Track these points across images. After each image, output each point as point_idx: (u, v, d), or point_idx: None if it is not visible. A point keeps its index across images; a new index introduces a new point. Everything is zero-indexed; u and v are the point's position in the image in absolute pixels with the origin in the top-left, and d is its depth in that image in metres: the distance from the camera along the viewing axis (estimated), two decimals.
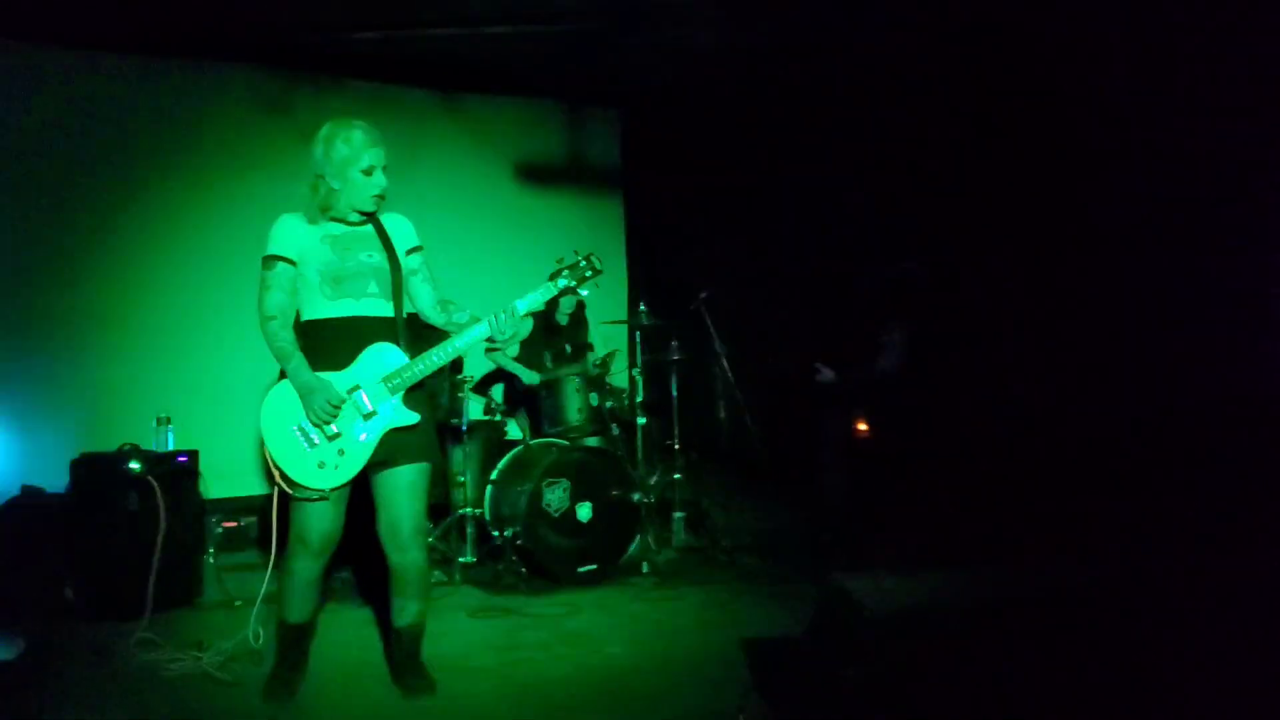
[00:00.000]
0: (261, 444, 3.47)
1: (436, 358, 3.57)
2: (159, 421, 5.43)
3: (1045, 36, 5.87)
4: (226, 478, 6.30)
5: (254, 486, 6.59)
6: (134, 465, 4.98)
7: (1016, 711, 2.87)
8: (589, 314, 6.63)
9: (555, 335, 6.36)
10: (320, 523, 3.52)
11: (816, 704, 2.91)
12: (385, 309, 3.58)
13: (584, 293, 3.84)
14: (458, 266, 7.67)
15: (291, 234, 3.52)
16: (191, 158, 6.81)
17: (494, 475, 5.58)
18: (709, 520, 6.29)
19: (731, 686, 3.31)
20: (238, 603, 5.04)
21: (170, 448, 5.35)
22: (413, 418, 3.56)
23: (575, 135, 8.30)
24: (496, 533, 5.42)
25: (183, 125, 6.80)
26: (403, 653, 3.76)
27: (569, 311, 6.49)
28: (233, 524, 6.50)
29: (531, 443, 5.72)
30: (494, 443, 5.94)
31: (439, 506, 5.53)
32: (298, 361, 3.46)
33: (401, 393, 3.54)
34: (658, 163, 8.53)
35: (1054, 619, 2.94)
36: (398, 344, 3.56)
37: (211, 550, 5.45)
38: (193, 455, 5.31)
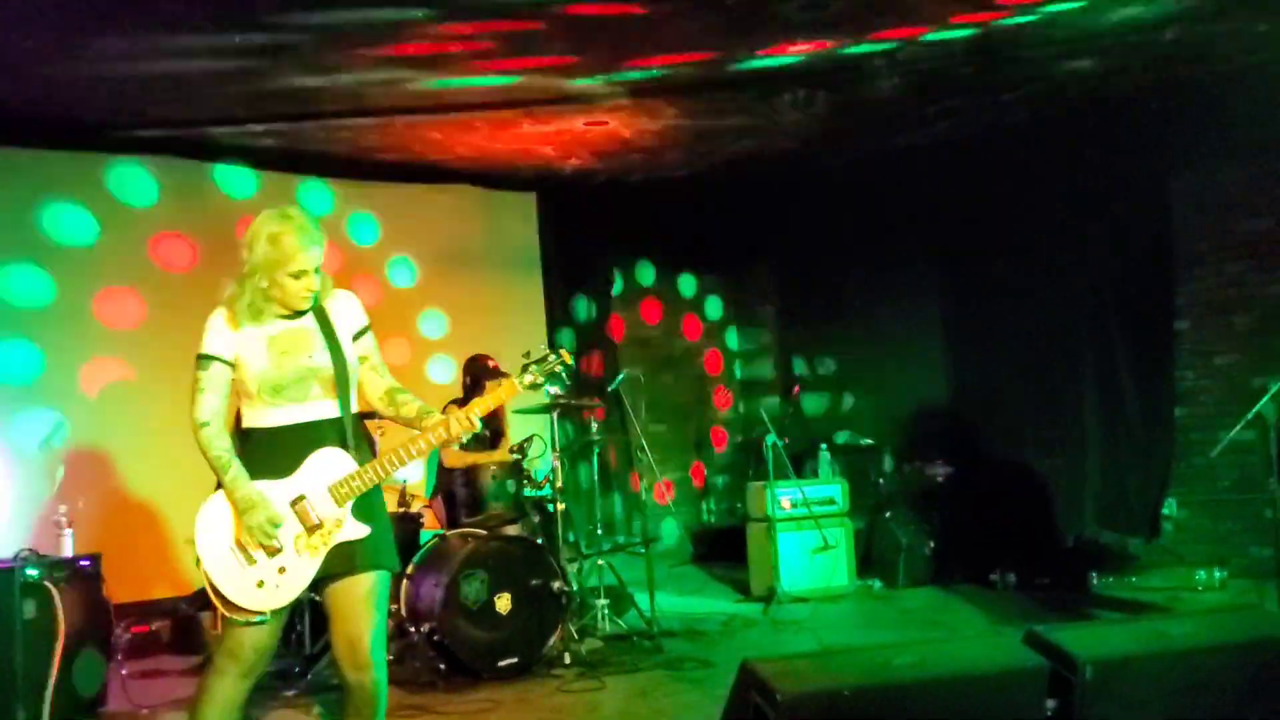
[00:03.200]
0: (197, 561, 3.15)
1: (390, 465, 3.31)
2: (58, 524, 5.22)
3: None
4: (133, 581, 6.10)
5: (163, 589, 6.40)
6: (31, 571, 4.78)
7: None
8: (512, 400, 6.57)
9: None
10: (255, 638, 3.19)
11: None
12: (331, 410, 3.30)
13: (551, 391, 3.61)
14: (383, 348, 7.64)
15: (227, 333, 3.22)
16: (98, 249, 6.69)
17: (409, 569, 5.45)
18: (633, 606, 6.21)
19: None
20: (144, 712, 4.85)
21: (70, 553, 5.15)
22: (362, 530, 3.26)
23: (492, 218, 8.33)
24: (412, 628, 5.29)
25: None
26: None
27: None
28: (142, 629, 6.29)
29: (448, 534, 5.62)
30: (409, 535, 5.82)
31: None
32: (236, 472, 3.15)
33: (351, 502, 3.25)
34: (579, 244, 8.61)
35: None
36: (346, 447, 3.28)
37: (118, 658, 5.24)
38: (95, 559, 5.12)
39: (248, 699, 3.28)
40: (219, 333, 3.23)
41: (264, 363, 3.22)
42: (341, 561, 3.22)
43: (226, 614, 3.15)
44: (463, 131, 6.98)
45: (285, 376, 3.23)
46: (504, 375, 6.15)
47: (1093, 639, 3.11)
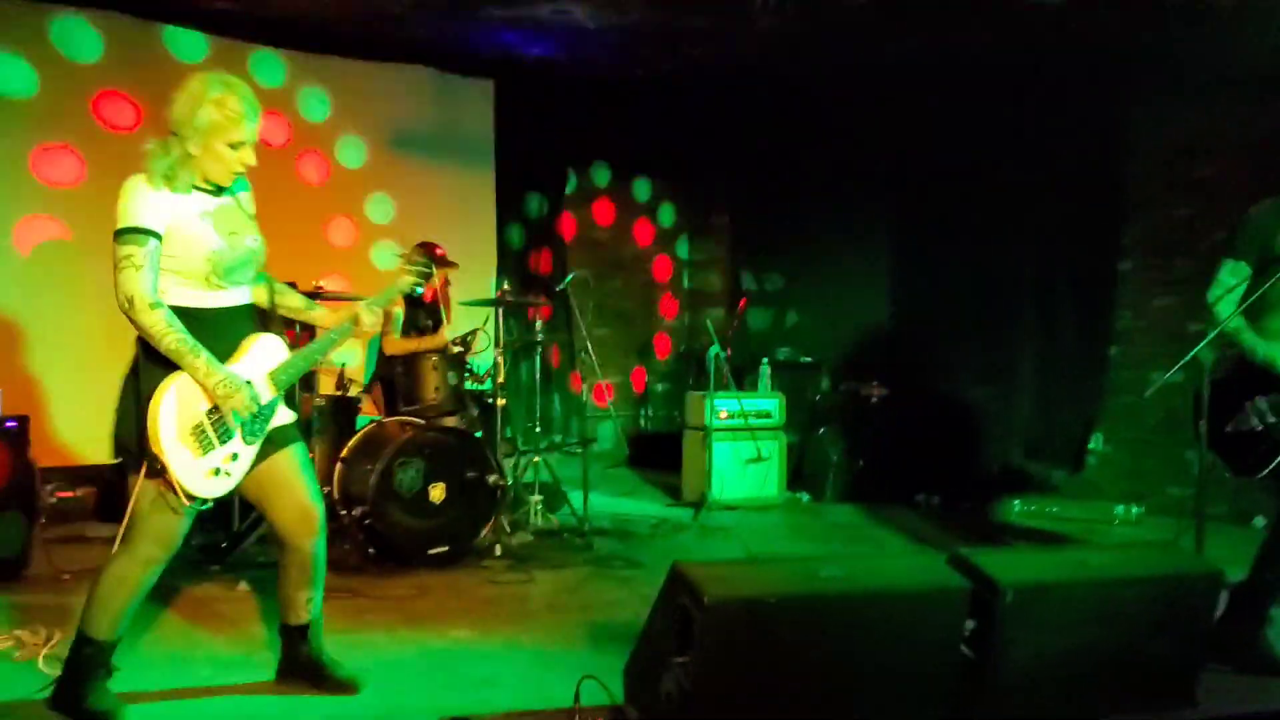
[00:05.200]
0: (148, 448, 2.98)
1: (318, 352, 3.38)
2: None
3: None
4: (60, 446, 6.01)
5: (90, 455, 6.31)
6: None
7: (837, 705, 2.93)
8: (453, 290, 6.50)
9: (414, 308, 6.21)
10: (184, 526, 3.16)
11: (651, 689, 2.91)
12: (252, 296, 3.29)
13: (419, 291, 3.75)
14: (325, 228, 7.51)
15: (158, 204, 3.01)
16: (36, 102, 6.43)
17: (344, 452, 5.42)
18: (566, 504, 6.26)
19: (574, 670, 3.29)
20: (65, 576, 4.82)
21: None
22: (290, 415, 3.32)
23: (447, 104, 8.13)
24: (344, 511, 5.28)
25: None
26: (316, 649, 3.49)
27: (435, 286, 6.34)
28: (67, 494, 6.22)
29: (385, 420, 5.59)
30: (346, 419, 5.78)
31: None
32: (208, 356, 3.02)
33: (284, 388, 3.25)
34: (535, 137, 8.44)
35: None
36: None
37: (41, 521, 5.17)
38: (23, 421, 5.02)
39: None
40: (152, 203, 3.01)
41: (217, 241, 3.11)
42: (272, 443, 3.25)
43: (176, 502, 3.05)
44: (424, 8, 6.76)
45: (238, 258, 3.16)
46: (451, 264, 6.10)
47: (1015, 564, 3.17)
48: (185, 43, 6.88)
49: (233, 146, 3.10)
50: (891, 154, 8.21)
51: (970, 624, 3.03)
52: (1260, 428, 3.76)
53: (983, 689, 3.05)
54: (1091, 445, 7.34)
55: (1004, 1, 6.33)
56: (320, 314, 3.52)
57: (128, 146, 6.43)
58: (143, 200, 3.01)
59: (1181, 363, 3.86)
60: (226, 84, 3.09)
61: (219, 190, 3.20)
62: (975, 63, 7.34)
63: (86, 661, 3.17)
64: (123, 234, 2.99)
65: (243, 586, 4.77)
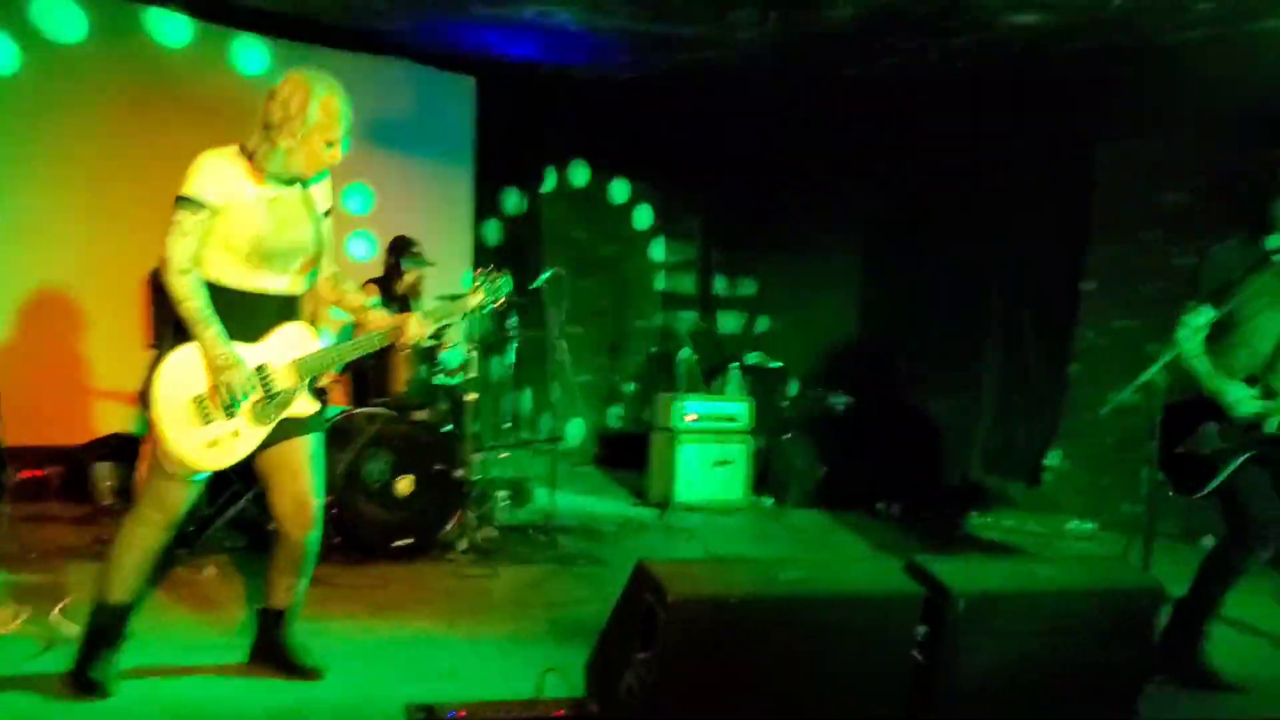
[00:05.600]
0: (145, 408, 3.12)
1: (351, 352, 3.43)
2: None
3: None
4: (27, 424, 5.99)
5: (57, 436, 6.30)
6: None
7: (793, 704, 3.02)
8: (428, 284, 6.54)
9: (389, 302, 6.26)
10: (187, 493, 3.25)
11: (613, 683, 2.98)
12: (299, 286, 3.34)
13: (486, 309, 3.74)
14: None
15: (223, 181, 3.12)
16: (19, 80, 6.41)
17: None
18: (532, 501, 6.32)
19: (535, 663, 3.35)
20: (32, 555, 4.82)
21: None
22: (313, 407, 3.36)
23: (429, 99, 8.16)
24: None
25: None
26: (289, 634, 3.55)
27: (409, 281, 6.39)
28: (33, 473, 6.20)
29: (355, 411, 5.63)
30: None
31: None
32: (218, 330, 3.11)
33: (309, 379, 3.31)
34: (514, 135, 8.48)
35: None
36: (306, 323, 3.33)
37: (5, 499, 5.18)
38: None
39: (165, 551, 3.35)
40: (214, 177, 3.12)
41: (265, 225, 3.18)
42: (287, 429, 3.31)
43: (169, 467, 3.16)
44: (410, 4, 6.80)
45: (281, 245, 3.23)
46: (428, 263, 6.15)
47: (968, 573, 3.27)
48: (168, 26, 6.86)
49: (328, 145, 3.23)
50: (867, 165, 8.34)
51: (923, 630, 3.12)
52: (1207, 451, 3.91)
53: (933, 693, 3.15)
54: (1049, 461, 7.48)
55: (982, 23, 6.46)
56: (375, 316, 3.52)
57: (100, 125, 6.51)
58: (210, 173, 3.12)
59: (1135, 384, 3.99)
60: (331, 84, 3.24)
61: (292, 181, 3.28)
62: (951, 81, 7.48)
63: (100, 627, 3.29)
64: (180, 200, 3.10)
65: (211, 570, 4.80)
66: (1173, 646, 3.93)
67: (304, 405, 3.34)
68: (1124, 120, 7.07)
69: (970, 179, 7.73)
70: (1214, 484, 3.88)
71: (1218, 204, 6.31)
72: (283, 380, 3.25)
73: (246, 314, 3.21)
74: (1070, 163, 7.41)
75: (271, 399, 3.23)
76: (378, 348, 3.49)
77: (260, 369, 3.21)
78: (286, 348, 3.28)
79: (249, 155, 3.19)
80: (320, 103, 3.19)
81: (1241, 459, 3.85)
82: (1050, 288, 7.52)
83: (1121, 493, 6.97)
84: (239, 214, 3.15)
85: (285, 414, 3.28)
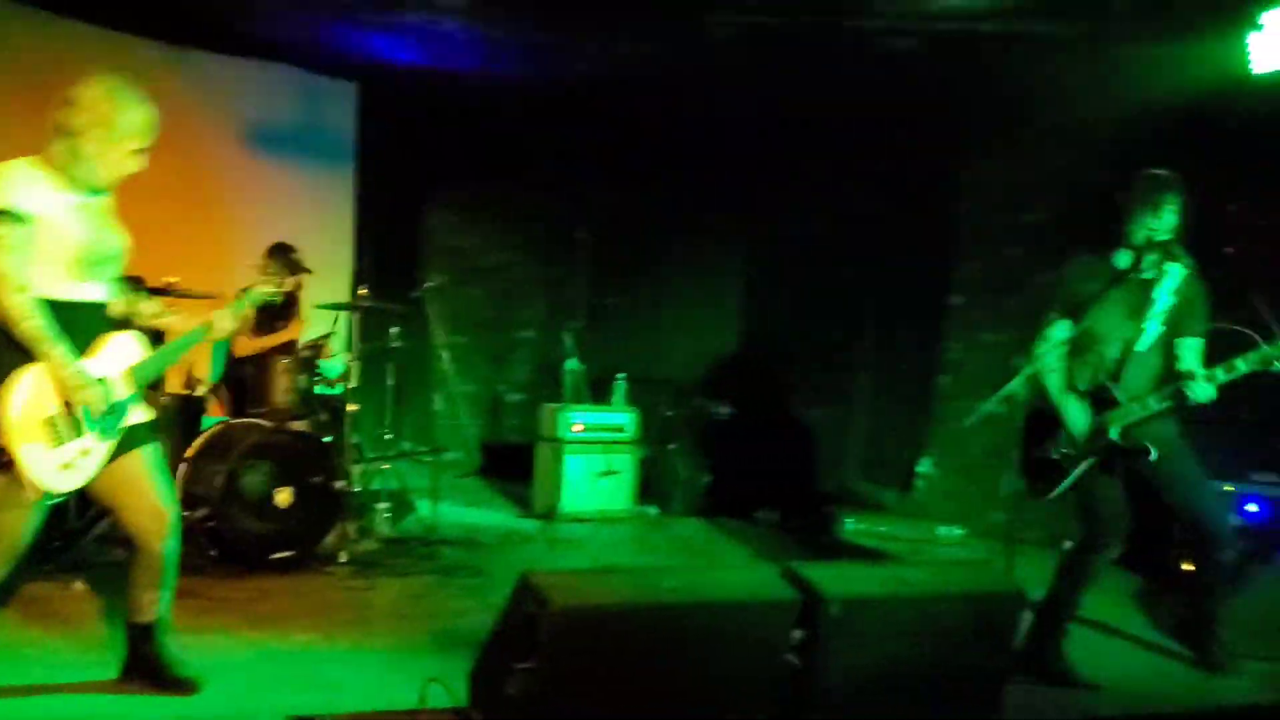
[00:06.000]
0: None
1: (174, 353, 3.42)
2: None
3: None
4: None
5: None
6: None
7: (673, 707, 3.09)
8: (307, 293, 6.44)
9: (265, 309, 6.13)
10: (34, 521, 3.13)
11: (496, 692, 3.00)
12: (109, 293, 3.27)
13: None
14: (180, 224, 7.32)
15: (34, 191, 3.01)
16: None
17: (189, 452, 5.33)
18: (415, 512, 6.27)
19: (418, 674, 3.35)
20: None
21: None
22: (146, 414, 3.32)
23: (309, 104, 8.05)
24: (187, 512, 5.18)
25: None
26: (161, 647, 3.46)
27: (288, 287, 6.27)
28: None
29: (233, 422, 5.52)
30: (191, 419, 5.67)
31: None
32: (66, 347, 3.01)
33: (141, 387, 3.28)
34: (397, 143, 8.42)
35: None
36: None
37: None
38: None
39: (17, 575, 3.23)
40: (30, 189, 3.02)
41: (86, 233, 3.11)
42: (127, 441, 3.24)
43: (25, 496, 3.02)
44: (293, 6, 6.71)
45: (104, 252, 3.16)
46: (305, 270, 6.06)
47: (840, 578, 3.39)
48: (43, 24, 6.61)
49: (134, 152, 3.17)
50: (748, 180, 8.58)
51: (798, 633, 3.23)
52: (1057, 456, 4.15)
53: (807, 695, 3.26)
54: (921, 469, 7.74)
55: (857, 49, 6.66)
56: (172, 320, 3.52)
57: None
58: (20, 183, 3.01)
59: (998, 396, 4.20)
60: (137, 91, 3.18)
61: (94, 190, 3.21)
62: (826, 100, 7.69)
63: None
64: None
65: (79, 585, 4.65)
66: (1036, 647, 4.13)
67: (139, 414, 3.30)
68: (990, 136, 7.38)
69: (844, 199, 8.02)
70: (1062, 487, 4.11)
71: (1076, 222, 6.62)
72: (121, 391, 3.21)
73: (79, 327, 3.12)
74: (938, 182, 7.71)
75: (114, 412, 3.18)
76: (200, 343, 3.48)
77: (101, 382, 3.15)
78: (119, 358, 3.23)
79: (51, 163, 3.10)
80: (122, 108, 3.12)
81: (1087, 464, 4.09)
82: (921, 302, 7.80)
83: (988, 500, 7.24)
84: (56, 224, 3.06)
85: (128, 423, 3.24)
